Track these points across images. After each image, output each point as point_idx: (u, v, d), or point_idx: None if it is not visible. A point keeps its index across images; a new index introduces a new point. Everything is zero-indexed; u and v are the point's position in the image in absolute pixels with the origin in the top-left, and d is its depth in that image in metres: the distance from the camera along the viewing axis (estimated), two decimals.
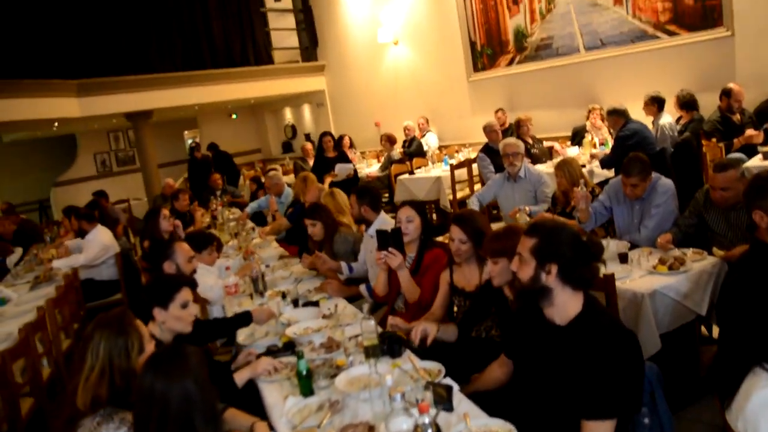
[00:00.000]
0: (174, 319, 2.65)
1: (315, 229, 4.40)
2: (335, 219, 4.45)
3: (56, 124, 10.81)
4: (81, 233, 6.11)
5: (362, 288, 3.96)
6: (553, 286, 2.09)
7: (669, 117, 6.61)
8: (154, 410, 1.72)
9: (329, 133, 8.89)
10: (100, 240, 5.87)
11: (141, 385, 1.77)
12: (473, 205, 5.28)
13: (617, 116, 6.12)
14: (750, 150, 5.63)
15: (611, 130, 6.88)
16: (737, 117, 6.00)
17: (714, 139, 5.86)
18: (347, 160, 8.89)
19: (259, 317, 3.27)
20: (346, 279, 4.13)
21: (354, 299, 3.89)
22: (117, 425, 1.87)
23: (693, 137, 6.16)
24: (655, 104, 6.53)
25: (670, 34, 7.01)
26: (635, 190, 3.90)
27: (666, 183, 3.95)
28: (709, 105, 6.41)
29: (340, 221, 4.62)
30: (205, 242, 4.31)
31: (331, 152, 8.87)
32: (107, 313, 2.16)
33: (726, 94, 5.99)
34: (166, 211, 5.56)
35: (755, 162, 5.08)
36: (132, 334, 2.08)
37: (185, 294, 2.69)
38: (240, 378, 2.60)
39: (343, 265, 4.07)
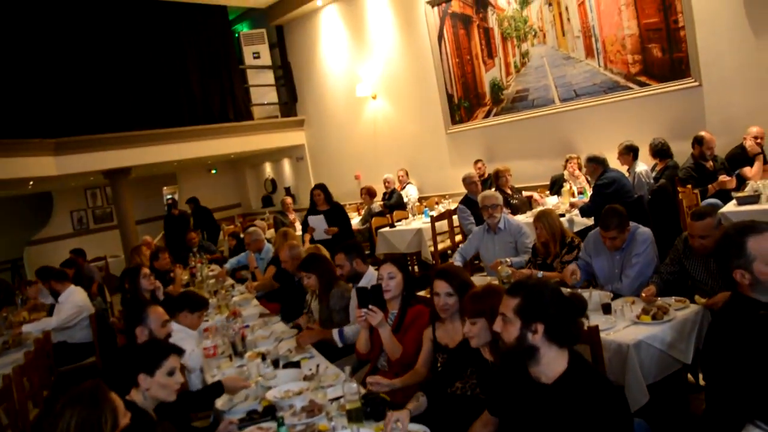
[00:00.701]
0: (159, 386, 2.55)
1: (310, 281, 4.34)
2: (333, 272, 4.33)
3: (31, 182, 10.70)
4: (53, 294, 5.95)
5: (335, 333, 3.88)
6: (540, 345, 2.06)
7: (644, 165, 6.74)
8: None
9: (319, 186, 7.87)
10: (74, 300, 5.72)
11: None
12: (456, 261, 5.25)
13: (596, 164, 6.21)
14: (724, 195, 5.72)
15: (589, 178, 6.97)
16: (710, 164, 6.12)
17: (689, 186, 5.95)
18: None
19: (231, 387, 3.16)
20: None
21: (337, 357, 3.80)
22: None
23: (669, 183, 6.26)
24: (630, 153, 6.67)
25: (641, 84, 7.21)
26: (615, 242, 3.93)
27: (644, 232, 3.98)
28: (682, 152, 6.55)
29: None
30: (200, 305, 4.11)
31: (322, 205, 7.56)
32: (79, 387, 2.06)
33: (698, 141, 6.13)
34: (146, 270, 5.43)
35: (730, 207, 5.15)
36: (105, 409, 1.98)
37: (173, 361, 2.61)
38: None
39: (335, 333, 3.94)
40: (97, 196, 14.63)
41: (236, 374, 3.52)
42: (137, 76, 10.98)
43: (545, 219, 4.54)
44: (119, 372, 2.58)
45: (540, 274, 4.23)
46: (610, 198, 5.62)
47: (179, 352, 2.69)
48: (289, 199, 10.90)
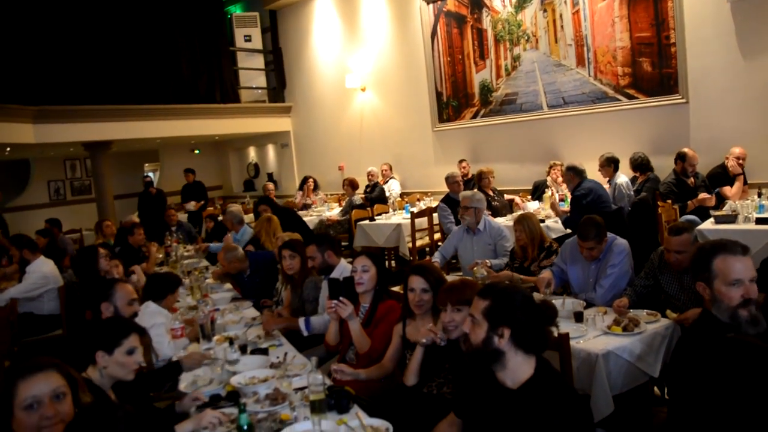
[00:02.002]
0: (117, 365, 2.50)
1: (293, 261, 4.30)
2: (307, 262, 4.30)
3: (8, 149, 10.48)
4: (23, 262, 5.83)
5: (301, 322, 3.85)
6: (506, 350, 2.04)
7: (625, 177, 6.78)
8: None
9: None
10: (41, 271, 5.60)
11: None
12: (435, 259, 5.24)
13: (573, 174, 6.22)
14: (703, 212, 5.78)
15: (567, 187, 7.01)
16: (691, 180, 6.18)
17: (669, 201, 6.00)
18: None
19: (189, 364, 3.11)
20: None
21: (306, 347, 3.78)
22: None
23: (650, 197, 6.30)
24: (611, 165, 6.72)
25: (629, 97, 7.25)
26: (592, 252, 3.94)
27: (621, 243, 4.00)
28: (664, 167, 6.61)
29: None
30: (173, 285, 4.08)
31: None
32: (30, 360, 2.00)
33: (681, 158, 6.18)
34: (102, 250, 5.31)
35: (707, 225, 5.20)
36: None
37: (133, 340, 2.55)
38: (182, 430, 2.44)
39: (301, 322, 3.90)
40: (77, 168, 14.40)
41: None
42: (124, 48, 10.79)
43: (526, 222, 4.54)
44: (82, 346, 2.52)
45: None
46: (587, 208, 5.65)
47: (140, 331, 2.63)
48: (271, 185, 10.82)
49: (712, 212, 5.53)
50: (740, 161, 6.16)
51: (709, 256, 2.25)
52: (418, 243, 7.50)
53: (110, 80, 10.55)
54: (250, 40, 12.83)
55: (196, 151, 15.39)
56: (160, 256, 7.19)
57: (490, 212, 6.40)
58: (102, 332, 2.57)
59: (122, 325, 2.67)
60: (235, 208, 7.32)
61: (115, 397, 2.55)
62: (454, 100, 9.33)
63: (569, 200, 6.40)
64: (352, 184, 9.34)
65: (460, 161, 8.90)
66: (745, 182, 6.16)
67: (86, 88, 10.15)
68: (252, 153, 14.76)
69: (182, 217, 10.16)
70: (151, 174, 15.32)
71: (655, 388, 3.79)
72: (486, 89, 8.85)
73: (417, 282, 3.01)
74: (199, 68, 11.81)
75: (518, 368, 2.06)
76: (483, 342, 2.05)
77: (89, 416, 1.75)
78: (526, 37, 8.27)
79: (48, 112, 9.56)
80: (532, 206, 7.16)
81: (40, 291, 5.56)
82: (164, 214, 9.02)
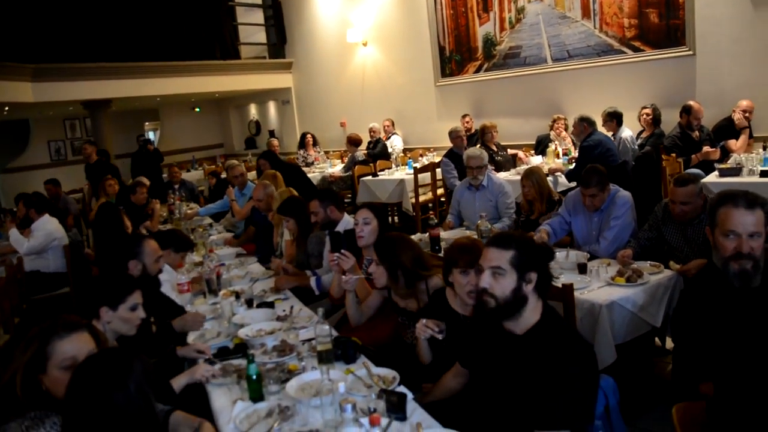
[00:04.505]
0: (121, 320, 2.54)
1: (289, 224, 4.32)
2: (310, 217, 4.26)
3: (6, 108, 10.40)
4: (26, 222, 5.85)
5: (312, 281, 3.89)
6: (530, 296, 2.07)
7: (629, 131, 6.72)
8: (87, 418, 1.61)
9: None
10: (46, 229, 5.63)
11: (75, 389, 1.65)
12: (449, 219, 5.23)
13: (587, 124, 6.20)
14: (707, 166, 5.75)
15: (575, 139, 6.96)
16: (696, 134, 6.12)
17: (673, 154, 5.97)
18: None
19: (182, 325, 3.14)
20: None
21: (312, 300, 3.81)
22: (48, 431, 1.75)
23: (654, 151, 6.26)
24: (614, 120, 6.66)
25: (635, 50, 7.13)
26: (594, 201, 3.93)
27: (624, 195, 3.99)
28: (670, 120, 6.54)
29: None
30: (185, 246, 4.13)
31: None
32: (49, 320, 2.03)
33: (686, 111, 6.11)
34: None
35: (711, 178, 5.17)
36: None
37: (137, 296, 2.58)
38: (176, 383, 2.48)
39: (312, 282, 3.91)
40: (76, 128, 14.31)
41: (210, 311, 3.51)
42: (122, 4, 10.59)
43: (534, 177, 4.52)
44: (87, 302, 2.56)
45: None
46: (595, 160, 5.61)
47: (144, 287, 2.66)
48: (275, 141, 10.77)
49: (716, 165, 5.50)
50: (747, 114, 6.09)
51: (717, 204, 2.26)
52: (422, 198, 7.49)
53: (109, 37, 10.38)
54: None
55: (197, 110, 15.27)
56: (164, 214, 7.20)
57: (493, 167, 6.37)
58: (107, 288, 2.60)
59: (126, 281, 2.70)
60: (234, 163, 7.21)
61: None
62: (456, 54, 9.18)
63: (578, 150, 6.34)
64: (351, 141, 9.28)
65: (463, 116, 8.82)
66: (750, 135, 6.10)
67: (85, 45, 10.00)
68: (253, 110, 14.64)
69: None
70: (151, 134, 15.25)
71: (657, 339, 3.85)
72: (489, 43, 8.70)
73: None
74: (198, 24, 11.62)
75: (530, 314, 2.08)
76: (513, 291, 2.04)
77: (105, 354, 1.78)
78: None
79: (46, 70, 9.44)
80: (536, 161, 7.13)
81: (47, 246, 5.60)
82: (160, 172, 8.99)
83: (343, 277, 3.06)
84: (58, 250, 5.66)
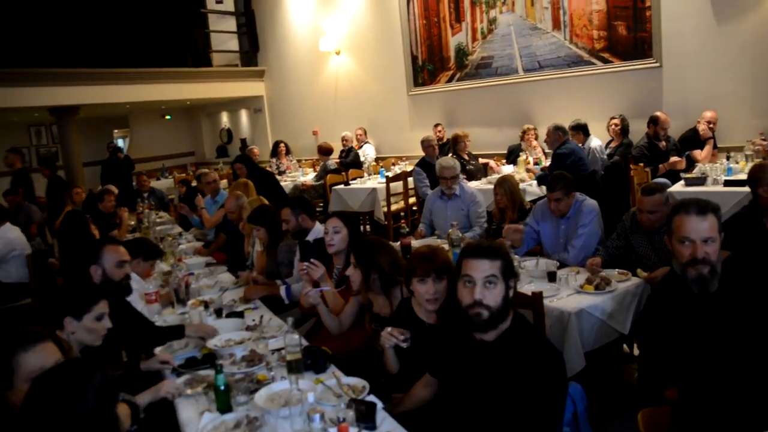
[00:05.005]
0: (86, 331, 2.46)
1: (259, 233, 4.28)
2: (281, 226, 4.23)
3: None
4: None
5: (282, 290, 3.85)
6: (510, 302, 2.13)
7: (598, 140, 6.84)
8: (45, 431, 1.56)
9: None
10: (5, 236, 5.48)
11: (31, 401, 1.60)
12: (421, 228, 5.23)
13: (561, 133, 6.37)
14: (673, 175, 5.87)
15: (547, 147, 7.05)
16: (663, 144, 6.25)
17: (641, 164, 6.08)
18: None
19: (193, 333, 3.10)
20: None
21: (282, 310, 3.77)
22: None
23: (622, 161, 6.37)
24: (580, 132, 6.81)
25: (604, 61, 7.26)
26: (559, 205, 3.98)
27: (591, 203, 4.04)
28: (637, 131, 6.67)
29: None
30: (154, 253, 4.07)
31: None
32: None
33: (653, 121, 6.23)
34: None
35: (678, 187, 5.29)
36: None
37: (103, 306, 2.51)
38: (140, 401, 2.42)
39: (282, 291, 3.89)
40: (42, 134, 14.02)
41: (178, 321, 3.45)
42: (91, 9, 10.45)
43: (507, 184, 4.56)
44: (50, 311, 2.49)
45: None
46: (567, 168, 5.69)
47: (112, 296, 2.60)
48: (256, 149, 10.74)
49: (682, 175, 5.62)
50: (711, 125, 6.24)
51: (671, 213, 2.31)
52: (393, 207, 7.50)
53: (77, 42, 10.23)
54: (221, 2, 12.52)
55: (167, 117, 15.09)
56: (132, 222, 7.09)
57: (465, 176, 6.41)
58: (71, 298, 2.53)
59: (92, 290, 2.63)
60: (208, 171, 7.15)
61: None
62: (429, 64, 9.24)
63: (552, 157, 6.47)
64: (324, 150, 9.26)
65: (436, 125, 8.88)
66: (714, 146, 6.25)
67: (52, 50, 9.84)
68: (225, 118, 14.53)
69: None
70: (120, 141, 15.01)
71: (624, 346, 3.89)
72: (462, 53, 8.78)
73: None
74: (169, 31, 11.51)
75: (505, 319, 2.12)
76: (504, 299, 2.09)
77: (66, 366, 1.73)
78: (502, 0, 8.18)
79: (11, 75, 9.22)
80: (507, 170, 7.18)
81: (6, 257, 5.45)
82: (131, 180, 8.87)
83: (304, 290, 3.03)
84: (20, 260, 5.51)
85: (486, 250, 2.13)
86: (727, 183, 5.10)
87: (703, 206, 2.24)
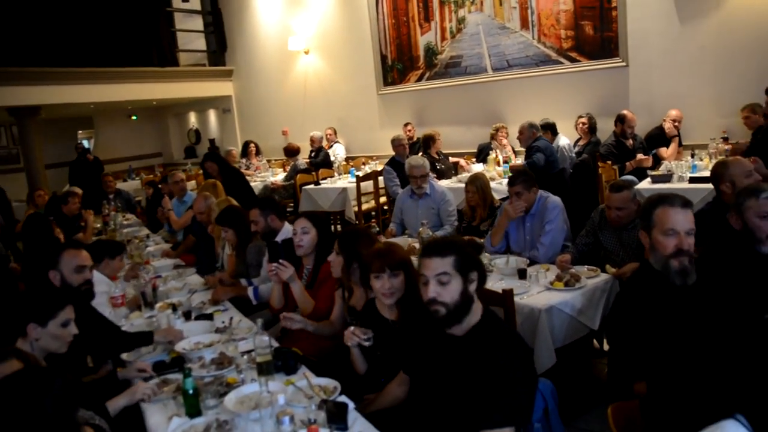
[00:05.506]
0: (51, 337, 2.38)
1: (228, 235, 4.22)
2: (249, 226, 4.17)
3: None
4: None
5: (249, 291, 3.81)
6: (474, 294, 2.12)
7: (566, 139, 6.92)
8: None
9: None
10: None
11: None
12: (392, 228, 5.23)
13: (535, 130, 6.54)
14: (640, 173, 5.96)
15: (514, 147, 7.11)
16: (630, 142, 6.34)
17: (609, 162, 6.16)
18: None
19: (162, 338, 3.01)
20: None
21: (252, 311, 3.72)
22: None
23: (590, 159, 6.45)
24: (548, 130, 6.89)
25: (572, 60, 7.34)
26: (520, 199, 4.01)
27: (555, 200, 4.08)
28: (605, 129, 6.76)
29: None
30: (117, 248, 3.97)
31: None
32: None
33: (620, 120, 6.33)
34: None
35: (644, 185, 5.37)
36: None
37: (69, 312, 2.43)
38: (114, 405, 2.36)
39: (249, 291, 3.85)
40: (2, 136, 13.65)
41: (146, 325, 3.38)
42: (52, 7, 10.19)
43: (478, 182, 4.57)
44: (12, 318, 2.40)
45: None
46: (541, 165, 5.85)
47: (74, 302, 2.52)
48: (234, 150, 10.64)
49: (649, 172, 5.72)
50: (676, 123, 6.36)
51: (652, 207, 2.35)
52: (364, 207, 7.48)
53: (38, 41, 9.95)
54: (187, 0, 12.32)
55: (134, 117, 14.83)
56: (98, 225, 6.93)
57: (435, 175, 6.42)
58: (35, 303, 2.43)
59: (57, 296, 2.54)
60: (176, 173, 7.04)
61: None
62: (398, 63, 9.24)
63: (515, 160, 6.55)
64: (290, 152, 9.21)
65: (406, 124, 8.89)
66: (680, 144, 6.37)
67: (11, 48, 9.55)
68: (193, 119, 14.33)
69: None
70: (85, 141, 14.70)
71: (594, 341, 3.94)
72: (431, 52, 8.80)
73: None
74: (134, 29, 11.28)
75: (471, 315, 2.11)
76: (461, 294, 2.08)
77: (24, 380, 1.67)
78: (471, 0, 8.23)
79: None
80: (477, 169, 7.22)
81: None
82: (101, 182, 8.67)
83: (286, 322, 2.96)
84: None
85: (436, 248, 2.14)
86: (692, 180, 5.20)
87: (685, 200, 2.31)
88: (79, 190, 6.96)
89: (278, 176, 9.52)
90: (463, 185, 4.85)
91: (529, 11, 7.61)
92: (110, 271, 3.88)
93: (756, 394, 1.68)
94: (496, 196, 5.68)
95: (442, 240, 2.23)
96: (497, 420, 1.91)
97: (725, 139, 6.04)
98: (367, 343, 2.50)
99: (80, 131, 14.99)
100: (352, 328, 2.54)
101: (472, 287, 2.11)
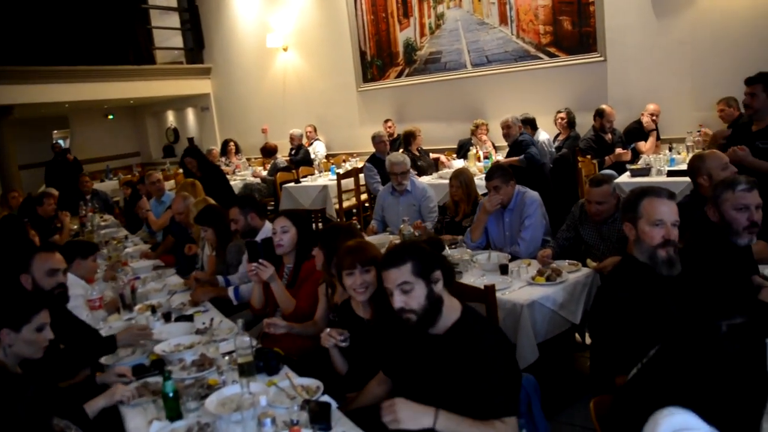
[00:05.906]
0: (25, 343, 2.29)
1: (207, 234, 4.18)
2: (229, 226, 4.12)
3: None
4: None
5: (230, 291, 3.78)
6: (442, 294, 2.09)
7: (546, 134, 6.95)
8: None
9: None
10: None
11: None
12: (373, 225, 5.21)
13: (521, 124, 6.61)
14: (619, 167, 6.01)
15: (492, 143, 7.12)
16: (609, 136, 6.39)
17: (588, 156, 6.20)
18: None
19: (125, 340, 2.95)
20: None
21: (233, 311, 3.69)
22: None
23: (570, 153, 6.49)
24: (528, 125, 6.91)
25: (551, 55, 7.38)
26: (498, 193, 4.01)
27: (532, 195, 4.10)
28: (584, 124, 6.80)
29: None
30: (89, 248, 3.87)
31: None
32: None
33: (599, 114, 6.37)
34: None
35: (624, 178, 5.41)
36: None
37: (44, 316, 2.35)
38: (93, 406, 2.31)
39: (230, 291, 3.81)
40: None
41: (125, 327, 3.32)
42: (24, 3, 9.98)
43: (462, 177, 4.56)
44: None
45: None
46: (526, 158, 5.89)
47: (50, 306, 2.46)
48: (216, 150, 10.54)
49: (628, 166, 5.76)
50: (654, 117, 6.42)
51: (638, 198, 2.37)
52: (345, 204, 7.46)
53: (9, 39, 9.74)
54: None
55: (110, 117, 14.62)
56: (75, 226, 6.83)
57: (415, 172, 6.41)
58: (8, 308, 2.37)
59: (32, 299, 2.48)
60: (153, 173, 6.93)
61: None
62: (378, 60, 9.22)
63: (495, 156, 6.56)
64: (267, 151, 9.16)
65: (386, 121, 8.86)
66: (658, 137, 6.43)
67: None
68: (171, 117, 14.19)
69: None
70: (61, 141, 14.47)
71: (576, 335, 3.96)
72: (410, 48, 8.78)
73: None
74: (109, 27, 11.10)
75: (448, 312, 2.10)
76: (427, 297, 2.06)
77: None
78: None
79: None
80: (458, 165, 7.22)
81: None
82: (78, 182, 8.53)
83: (270, 329, 2.93)
84: None
85: (390, 259, 2.12)
86: (670, 173, 5.24)
87: (670, 192, 2.35)
88: (54, 191, 6.85)
89: (260, 169, 9.44)
90: (445, 181, 4.84)
91: (508, 7, 7.63)
92: (83, 272, 3.78)
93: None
94: (480, 191, 5.70)
95: (395, 249, 2.19)
96: (499, 410, 1.94)
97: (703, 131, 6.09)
98: (343, 344, 2.49)
99: (55, 131, 14.75)
100: (328, 330, 2.53)
101: (438, 287, 2.08)
